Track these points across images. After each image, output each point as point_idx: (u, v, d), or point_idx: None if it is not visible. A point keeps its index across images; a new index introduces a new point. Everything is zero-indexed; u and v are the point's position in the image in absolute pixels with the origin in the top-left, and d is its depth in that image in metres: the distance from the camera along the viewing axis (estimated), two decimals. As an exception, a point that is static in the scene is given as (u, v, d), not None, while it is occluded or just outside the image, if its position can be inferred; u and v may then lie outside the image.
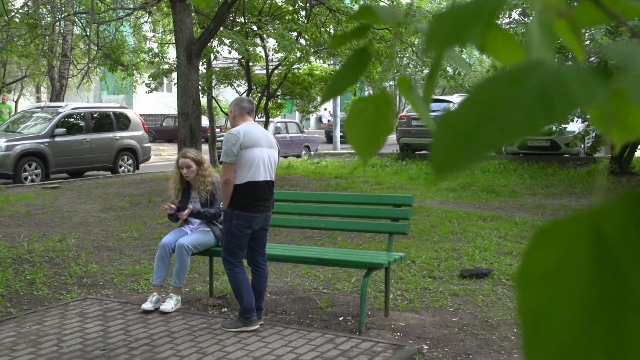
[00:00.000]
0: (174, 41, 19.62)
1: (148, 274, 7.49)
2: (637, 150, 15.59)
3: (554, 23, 0.68)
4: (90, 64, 18.71)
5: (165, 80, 31.28)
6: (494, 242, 8.81)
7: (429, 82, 0.83)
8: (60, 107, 17.78)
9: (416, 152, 19.97)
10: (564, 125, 15.39)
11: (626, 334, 0.46)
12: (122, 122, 18.49)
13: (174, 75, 16.77)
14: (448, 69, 14.93)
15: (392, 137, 32.78)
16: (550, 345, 0.48)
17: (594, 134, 15.41)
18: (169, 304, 6.01)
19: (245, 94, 17.12)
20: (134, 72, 21.58)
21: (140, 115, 20.98)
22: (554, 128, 15.69)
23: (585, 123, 15.34)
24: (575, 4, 0.72)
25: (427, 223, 10.12)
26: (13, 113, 22.42)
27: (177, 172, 6.42)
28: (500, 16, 14.54)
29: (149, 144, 19.54)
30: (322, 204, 6.97)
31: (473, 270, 7.38)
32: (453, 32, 0.65)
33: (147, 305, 5.98)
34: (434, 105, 19.58)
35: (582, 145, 18.17)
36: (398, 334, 5.57)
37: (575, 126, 16.65)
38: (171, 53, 20.03)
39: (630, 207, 0.49)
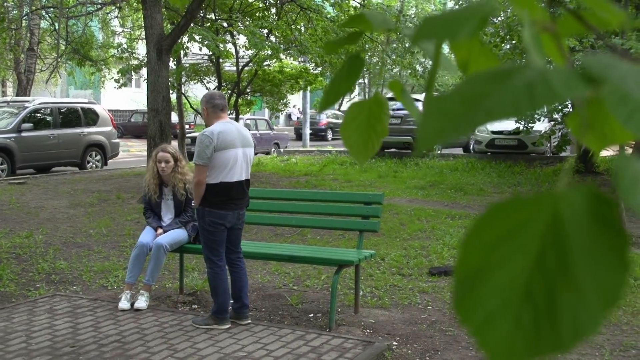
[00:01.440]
0: (143, 37, 19.46)
1: (117, 271, 7.46)
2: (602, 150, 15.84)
3: (541, 36, 0.73)
4: (58, 59, 18.47)
5: (134, 76, 30.99)
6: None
7: (430, 80, 0.87)
8: (27, 101, 17.54)
9: (385, 150, 20.08)
10: (531, 125, 15.62)
11: (557, 308, 0.50)
12: (90, 117, 18.31)
13: (143, 71, 16.64)
14: (417, 67, 15.04)
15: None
16: (484, 305, 0.52)
17: (560, 134, 15.66)
18: (143, 302, 5.99)
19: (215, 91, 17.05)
20: (103, 67, 21.36)
21: (109, 110, 20.78)
22: (521, 127, 15.91)
23: (552, 122, 15.58)
24: (557, 15, 0.76)
25: (397, 221, 10.21)
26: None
27: (154, 166, 6.38)
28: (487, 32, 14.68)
29: (117, 140, 19.39)
30: (292, 201, 7.01)
31: (442, 267, 7.47)
32: (445, 28, 0.70)
33: (125, 305, 5.95)
34: (400, 104, 19.64)
35: (549, 145, 18.45)
36: (368, 330, 5.64)
37: (541, 125, 16.91)
38: (140, 49, 19.88)
39: (590, 200, 0.53)
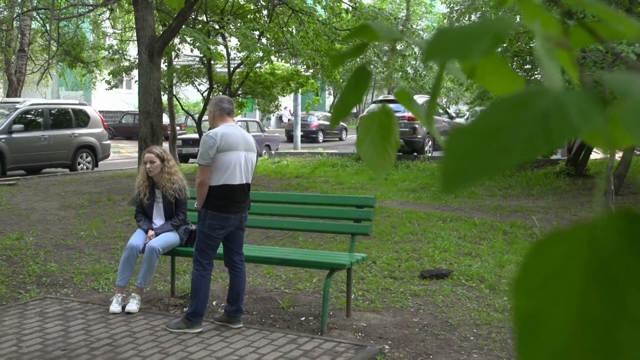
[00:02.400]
0: (134, 38, 19.40)
1: (108, 273, 7.44)
2: (592, 153, 15.94)
3: (555, 51, 0.73)
4: (49, 60, 18.41)
5: (125, 77, 30.90)
6: (454, 243, 8.94)
7: (433, 94, 0.87)
8: (17, 103, 17.48)
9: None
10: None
11: (618, 342, 0.49)
12: (81, 119, 18.26)
13: (134, 72, 16.62)
14: (408, 70, 15.08)
15: (354, 137, 32.92)
16: (543, 350, 0.51)
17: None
18: (134, 305, 5.98)
19: (206, 93, 17.04)
20: (94, 69, 21.30)
21: (100, 112, 20.72)
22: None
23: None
24: (568, 27, 0.76)
25: (388, 224, 10.22)
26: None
27: (143, 168, 6.39)
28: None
29: (108, 142, 19.34)
30: (284, 204, 7.01)
31: (433, 270, 7.49)
32: (457, 46, 0.70)
33: (116, 308, 5.94)
34: (392, 107, 19.81)
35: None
36: (360, 334, 5.64)
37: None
38: (131, 50, 19.85)
39: (626, 223, 0.52)
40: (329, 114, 38.14)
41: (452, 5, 16.00)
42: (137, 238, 6.20)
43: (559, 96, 0.58)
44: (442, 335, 5.61)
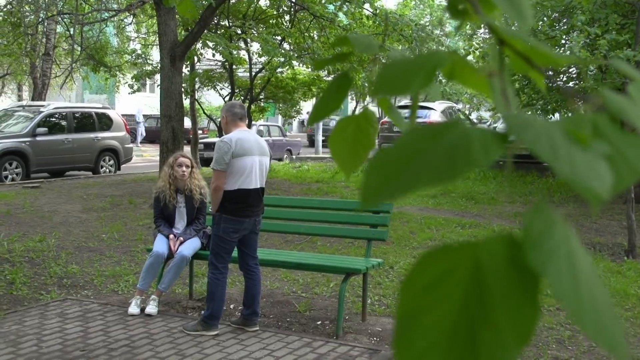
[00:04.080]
0: (157, 42, 19.58)
1: (128, 276, 7.53)
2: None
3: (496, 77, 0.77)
4: (73, 65, 18.64)
5: (147, 81, 31.19)
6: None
7: (411, 118, 0.93)
8: (42, 106, 17.72)
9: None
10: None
11: (479, 345, 0.56)
12: (104, 122, 18.46)
13: (157, 76, 16.79)
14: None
15: (376, 142, 32.78)
16: (416, 344, 0.58)
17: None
18: (153, 307, 6.05)
19: (228, 97, 17.16)
20: (117, 73, 21.53)
21: (122, 115, 20.94)
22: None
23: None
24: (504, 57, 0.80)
25: (406, 229, 10.23)
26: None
27: (170, 172, 6.45)
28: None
29: (130, 145, 19.52)
30: (302, 209, 7.06)
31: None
32: (398, 82, 0.75)
33: (135, 310, 6.02)
34: (407, 112, 19.68)
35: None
36: (375, 338, 5.66)
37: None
38: (154, 54, 20.03)
39: (507, 246, 0.59)
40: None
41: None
42: (161, 245, 6.25)
43: (467, 131, 0.63)
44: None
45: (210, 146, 21.49)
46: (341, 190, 14.80)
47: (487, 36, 15.58)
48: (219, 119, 18.35)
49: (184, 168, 6.40)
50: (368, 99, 24.32)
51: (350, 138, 1.12)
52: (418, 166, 0.62)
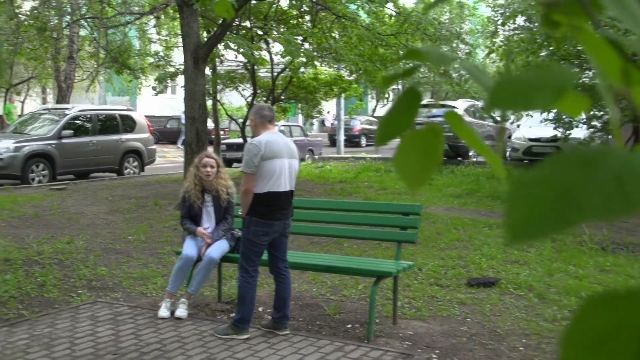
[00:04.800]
0: (179, 44, 19.61)
1: (156, 278, 7.54)
2: None
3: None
4: (98, 68, 18.79)
5: (169, 83, 31.35)
6: (501, 250, 8.84)
7: (499, 140, 0.89)
8: (67, 108, 17.86)
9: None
10: (569, 132, 15.45)
11: None
12: (128, 124, 18.58)
13: (179, 78, 16.83)
14: (453, 74, 14.99)
15: (397, 142, 32.65)
16: None
17: (599, 141, 15.45)
18: (183, 311, 6.05)
19: (250, 98, 17.17)
20: (140, 75, 21.65)
21: (145, 116, 21.04)
22: (558, 134, 15.75)
23: (591, 130, 15.39)
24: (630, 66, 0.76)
25: (433, 230, 10.16)
26: (19, 114, 22.49)
27: (196, 173, 6.44)
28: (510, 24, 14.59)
29: (154, 146, 19.61)
30: (330, 211, 7.02)
31: (480, 278, 7.42)
32: (520, 98, 0.70)
33: (165, 313, 6.03)
34: (436, 111, 19.48)
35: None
36: (407, 342, 5.61)
37: (580, 133, 16.68)
38: (176, 56, 20.11)
39: None
40: (372, 118, 38.10)
41: (496, 8, 15.84)
42: (191, 248, 6.24)
43: (628, 158, 0.58)
44: (490, 345, 5.55)
45: (232, 147, 21.53)
46: (365, 191, 14.75)
47: (510, 34, 15.46)
48: (241, 120, 18.40)
49: (209, 168, 6.39)
50: (390, 98, 24.24)
51: (416, 153, 1.08)
52: (578, 199, 0.57)
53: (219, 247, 6.29)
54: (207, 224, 6.48)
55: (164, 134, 33.90)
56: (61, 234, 9.96)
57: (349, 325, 6.06)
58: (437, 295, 6.95)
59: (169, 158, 26.82)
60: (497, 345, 5.53)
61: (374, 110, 46.24)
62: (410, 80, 1.08)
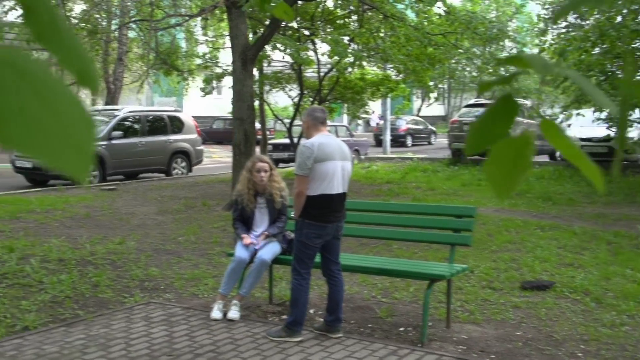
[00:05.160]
0: (225, 45, 19.69)
1: (207, 279, 7.58)
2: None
3: None
4: (148, 70, 19.05)
5: (215, 83, 31.61)
6: (554, 253, 8.67)
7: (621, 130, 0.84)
8: (116, 110, 18.13)
9: (468, 158, 19.79)
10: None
11: None
12: (176, 125, 18.78)
13: (226, 78, 16.93)
14: (502, 72, 14.75)
15: (444, 141, 32.42)
16: None
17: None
18: (236, 312, 6.06)
19: (297, 98, 17.19)
20: (188, 76, 21.85)
21: (192, 117, 21.23)
22: (611, 134, 15.39)
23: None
24: None
25: (484, 231, 10.01)
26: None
27: (249, 177, 6.44)
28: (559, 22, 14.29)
29: (201, 147, 19.78)
30: (382, 213, 6.97)
31: (534, 282, 7.28)
32: None
33: (217, 315, 6.04)
34: (476, 111, 19.17)
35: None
36: (461, 346, 5.53)
37: (634, 132, 16.30)
38: (223, 57, 20.23)
39: None
40: (417, 118, 37.84)
41: (546, 5, 15.55)
42: (243, 250, 6.25)
43: None
44: (547, 350, 5.43)
45: (278, 147, 21.59)
46: (413, 191, 14.64)
47: (561, 32, 15.16)
48: (287, 120, 18.42)
49: (262, 174, 6.38)
50: (432, 97, 23.97)
51: (507, 161, 1.05)
52: None
53: (271, 249, 6.29)
54: (260, 226, 6.47)
55: (210, 135, 34.19)
56: (113, 234, 10.09)
57: (402, 329, 6.00)
58: (490, 298, 6.84)
59: (216, 158, 27.03)
60: (555, 351, 5.41)
61: (419, 110, 45.96)
62: (506, 88, 1.03)
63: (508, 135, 1.00)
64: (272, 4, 3.07)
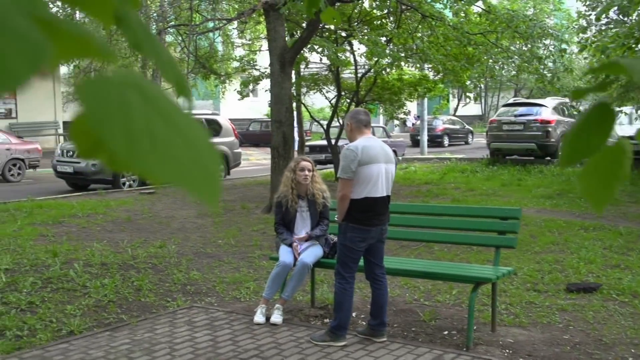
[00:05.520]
0: (262, 48, 19.76)
1: (248, 282, 7.58)
2: None
3: None
4: (188, 74, 19.20)
5: (252, 86, 31.78)
6: (599, 254, 8.50)
7: None
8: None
9: (507, 157, 19.55)
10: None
11: None
12: (214, 128, 18.88)
13: (263, 81, 16.99)
14: (546, 73, 14.52)
15: (481, 141, 32.11)
16: None
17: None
18: (278, 317, 6.05)
19: (334, 100, 17.17)
20: (225, 79, 21.99)
21: (228, 120, 21.35)
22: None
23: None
24: None
25: (526, 233, 9.86)
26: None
27: (292, 177, 6.41)
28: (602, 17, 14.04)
29: (239, 150, 19.86)
30: (425, 215, 6.89)
31: (580, 284, 7.13)
32: None
33: (260, 319, 6.03)
34: (523, 110, 18.97)
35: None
36: (507, 350, 5.44)
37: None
38: (259, 60, 20.31)
39: None
40: (454, 118, 37.53)
41: (587, 2, 15.28)
42: (287, 255, 6.22)
43: None
44: (596, 354, 5.31)
45: (315, 149, 21.57)
46: (452, 192, 14.51)
47: (603, 28, 14.89)
48: (324, 121, 18.41)
49: (307, 172, 6.36)
50: (472, 97, 23.74)
51: (603, 172, 1.01)
52: None
53: (313, 252, 6.26)
54: (301, 230, 6.44)
55: (247, 137, 34.33)
56: (153, 238, 10.17)
57: (446, 332, 5.92)
58: (535, 301, 6.72)
59: (253, 161, 27.15)
60: (604, 355, 5.29)
61: (455, 110, 45.58)
62: (603, 96, 0.99)
63: (604, 145, 0.96)
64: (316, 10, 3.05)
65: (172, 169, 0.55)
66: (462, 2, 13.05)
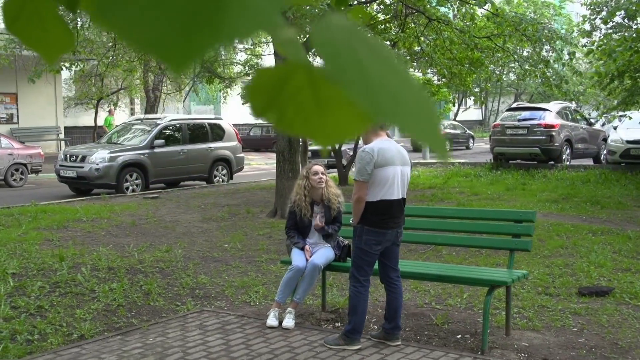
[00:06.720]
0: (265, 53, 19.78)
1: (257, 286, 7.54)
2: None
3: None
4: (194, 78, 19.17)
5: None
6: (609, 258, 8.46)
7: None
8: (158, 118, 18.25)
9: (510, 162, 19.51)
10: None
11: None
12: (217, 132, 18.83)
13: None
14: (551, 75, 14.48)
15: (482, 146, 32.01)
16: None
17: None
18: (291, 320, 6.00)
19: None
20: (229, 83, 21.94)
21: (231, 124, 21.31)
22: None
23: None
24: None
25: (534, 236, 9.74)
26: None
27: (304, 183, 6.36)
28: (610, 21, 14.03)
29: (242, 154, 19.81)
30: (437, 218, 6.85)
31: (592, 287, 7.09)
32: None
33: (273, 322, 5.99)
34: (526, 114, 18.94)
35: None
36: (522, 354, 5.40)
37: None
38: (263, 64, 20.30)
39: None
40: (455, 123, 37.51)
41: (592, 6, 15.27)
42: (300, 259, 6.16)
43: None
44: (613, 358, 5.27)
45: (317, 154, 21.51)
46: (456, 196, 14.46)
47: (608, 32, 14.87)
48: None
49: (320, 175, 6.31)
50: (474, 101, 23.76)
51: None
52: None
53: (324, 254, 6.21)
54: (314, 237, 6.39)
55: (248, 142, 34.23)
56: (159, 242, 10.12)
57: (459, 336, 5.88)
58: (548, 304, 6.68)
59: (254, 165, 27.10)
60: (621, 359, 5.24)
61: (455, 115, 45.57)
62: None
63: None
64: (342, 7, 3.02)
65: (409, 120, 0.51)
66: (469, 5, 13.01)
